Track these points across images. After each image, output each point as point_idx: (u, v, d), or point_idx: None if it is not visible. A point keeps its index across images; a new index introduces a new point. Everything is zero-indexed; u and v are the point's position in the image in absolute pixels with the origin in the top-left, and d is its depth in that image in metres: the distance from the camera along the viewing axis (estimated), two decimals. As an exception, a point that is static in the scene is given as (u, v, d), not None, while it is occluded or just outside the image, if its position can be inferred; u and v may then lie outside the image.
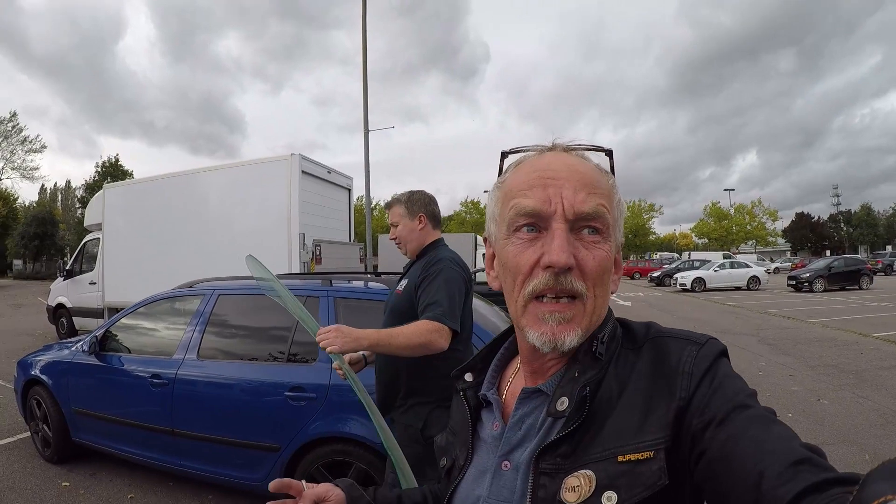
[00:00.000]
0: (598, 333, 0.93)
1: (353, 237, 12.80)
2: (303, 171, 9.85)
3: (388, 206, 3.14)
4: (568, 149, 0.97)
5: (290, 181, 9.65)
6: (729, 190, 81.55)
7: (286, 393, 3.89)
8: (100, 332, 5.28)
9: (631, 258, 71.34)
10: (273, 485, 1.09)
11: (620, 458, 0.81)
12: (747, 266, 34.67)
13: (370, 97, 19.68)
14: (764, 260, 56.47)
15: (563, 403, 0.89)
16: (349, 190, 12.32)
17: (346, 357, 2.69)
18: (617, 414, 0.85)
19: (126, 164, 61.98)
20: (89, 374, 5.17)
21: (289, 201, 9.57)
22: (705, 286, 32.59)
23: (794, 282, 30.53)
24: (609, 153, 0.99)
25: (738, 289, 32.61)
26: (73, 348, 5.54)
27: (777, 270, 53.98)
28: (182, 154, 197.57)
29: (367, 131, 19.31)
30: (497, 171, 1.03)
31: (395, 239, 3.08)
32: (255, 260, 2.66)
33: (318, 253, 10.20)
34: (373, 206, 20.36)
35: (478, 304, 4.46)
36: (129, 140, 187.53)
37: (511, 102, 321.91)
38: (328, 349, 2.32)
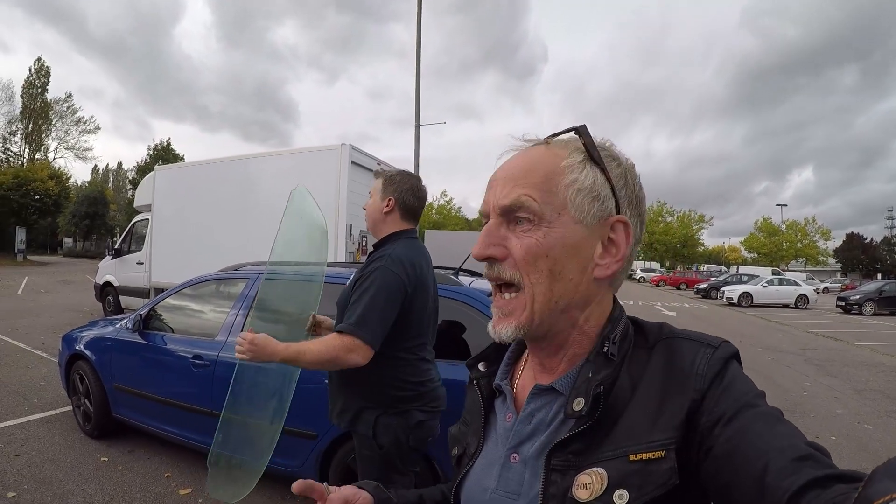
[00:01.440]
0: (609, 333, 0.93)
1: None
2: (352, 162, 9.82)
3: (376, 175, 2.91)
4: (529, 140, 1.01)
5: (340, 171, 9.64)
6: (781, 205, 79.74)
7: (325, 381, 3.86)
8: (144, 311, 5.31)
9: (678, 268, 70.51)
10: (296, 486, 1.08)
11: (632, 457, 0.81)
12: (796, 284, 34.10)
13: (424, 92, 19.79)
14: (813, 279, 55.55)
15: (579, 404, 0.89)
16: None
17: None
18: (629, 413, 0.86)
19: (178, 147, 63.54)
20: (132, 352, 5.19)
21: (337, 191, 9.56)
22: (752, 301, 32.14)
23: (843, 303, 30.15)
24: (579, 130, 0.96)
25: (785, 306, 32.17)
26: (117, 325, 5.59)
27: (826, 290, 53.11)
28: (234, 140, 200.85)
29: (417, 125, 19.25)
30: None
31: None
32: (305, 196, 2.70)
33: (364, 244, 10.19)
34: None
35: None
36: (182, 124, 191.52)
37: (566, 104, 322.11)
38: (237, 355, 2.35)
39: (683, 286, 52.77)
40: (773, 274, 40.28)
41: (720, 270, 62.24)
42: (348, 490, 1.15)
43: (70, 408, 6.19)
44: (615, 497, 0.79)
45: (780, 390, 9.31)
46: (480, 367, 1.13)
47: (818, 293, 37.56)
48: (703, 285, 42.27)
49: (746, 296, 32.38)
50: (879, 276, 70.41)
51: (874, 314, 28.43)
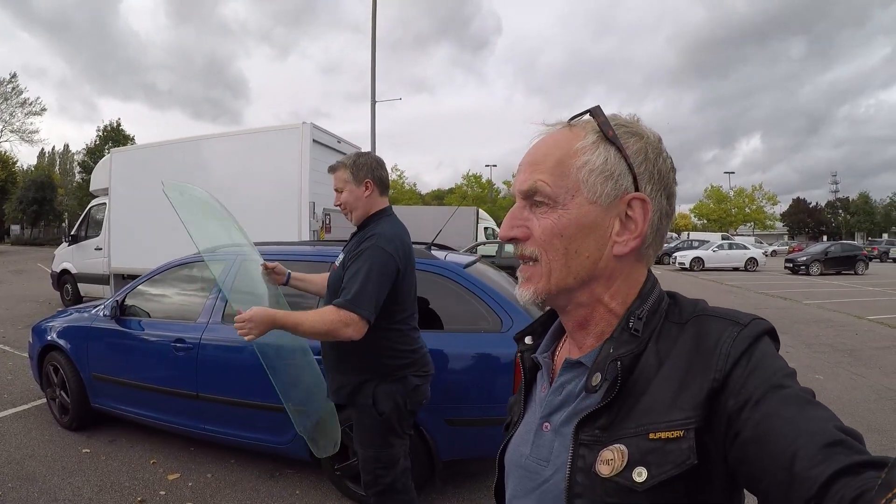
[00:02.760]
0: (635, 309, 0.94)
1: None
2: (314, 140, 9.79)
3: (333, 169, 2.97)
4: (553, 125, 1.03)
5: (302, 150, 9.60)
6: (729, 173, 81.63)
7: (316, 357, 3.91)
8: (120, 297, 5.23)
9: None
10: None
11: (652, 436, 0.82)
12: (745, 248, 34.95)
13: (378, 66, 19.54)
14: (762, 243, 56.63)
15: (596, 378, 0.91)
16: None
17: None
18: (652, 389, 0.87)
19: (127, 128, 61.38)
20: (110, 339, 5.13)
21: (300, 170, 9.52)
22: (703, 266, 32.90)
23: (791, 264, 31.03)
24: (593, 111, 0.98)
25: (735, 269, 32.96)
26: (91, 313, 5.50)
27: (774, 253, 54.24)
28: (184, 119, 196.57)
29: (374, 102, 19.19)
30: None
31: (339, 205, 2.94)
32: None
33: (327, 222, 10.17)
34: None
35: (487, 270, 4.70)
36: (131, 103, 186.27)
37: (519, 76, 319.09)
38: (247, 339, 2.42)
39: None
40: (723, 239, 40.96)
41: (671, 237, 63.10)
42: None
43: (44, 401, 6.07)
44: (634, 474, 0.81)
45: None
46: (526, 340, 1.16)
47: (766, 256, 38.33)
48: (655, 251, 42.61)
49: (698, 260, 33.10)
50: (825, 238, 72.30)
51: (821, 274, 29.40)
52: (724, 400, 0.79)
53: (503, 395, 3.77)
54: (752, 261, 33.29)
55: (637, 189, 0.93)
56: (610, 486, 0.83)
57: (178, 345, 4.56)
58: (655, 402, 0.85)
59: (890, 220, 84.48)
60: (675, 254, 35.80)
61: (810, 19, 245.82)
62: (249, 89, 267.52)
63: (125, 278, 11.44)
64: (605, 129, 0.95)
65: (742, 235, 61.83)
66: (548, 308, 1.15)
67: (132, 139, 55.98)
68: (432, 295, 4.24)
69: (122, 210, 12.06)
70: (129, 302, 5.23)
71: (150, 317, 5.09)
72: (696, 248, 36.59)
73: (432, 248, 4.99)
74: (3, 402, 6.45)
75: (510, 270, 5.02)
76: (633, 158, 0.94)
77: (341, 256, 2.91)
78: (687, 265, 33.00)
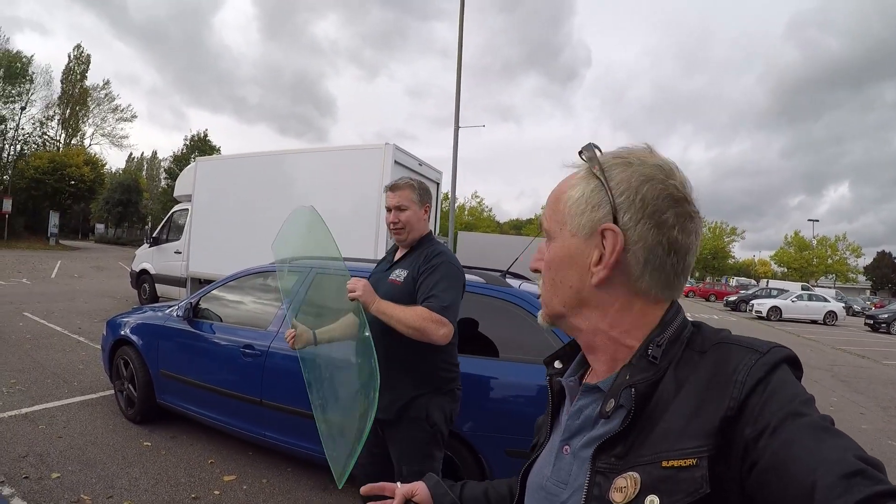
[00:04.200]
0: (655, 337, 0.93)
1: (437, 230, 12.75)
2: (395, 161, 9.83)
3: (393, 188, 3.02)
4: (571, 167, 1.06)
5: (383, 170, 9.66)
6: (813, 220, 78.27)
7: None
8: (194, 300, 5.36)
9: (707, 280, 69.87)
10: (365, 489, 1.24)
11: (664, 464, 0.81)
12: (825, 300, 33.77)
13: (464, 92, 19.56)
14: (843, 296, 54.72)
15: (610, 405, 0.92)
16: (437, 184, 12.19)
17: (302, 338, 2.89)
18: (668, 417, 0.85)
19: (214, 139, 63.18)
20: (181, 339, 5.25)
21: (380, 190, 9.42)
22: (781, 315, 31.93)
23: (871, 321, 29.86)
24: (583, 148, 1.02)
25: (813, 322, 31.90)
26: (164, 312, 5.64)
27: (854, 312, 52.29)
28: (270, 133, 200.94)
29: (457, 127, 19.14)
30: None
31: (397, 223, 2.96)
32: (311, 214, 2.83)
33: (403, 241, 10.19)
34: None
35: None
36: (219, 115, 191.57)
37: (605, 110, 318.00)
38: (351, 295, 2.58)
39: (713, 298, 52.75)
40: (803, 289, 39.81)
41: (750, 283, 61.59)
42: (411, 486, 1.32)
43: (111, 392, 6.25)
44: (646, 502, 0.80)
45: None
46: (556, 364, 1.17)
47: (847, 312, 37.08)
48: (732, 297, 41.95)
49: (775, 310, 32.18)
50: (910, 295, 69.51)
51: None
52: (740, 428, 0.78)
53: None
54: (831, 314, 32.22)
55: (615, 219, 0.93)
56: None
57: (246, 350, 4.63)
58: (670, 430, 0.84)
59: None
60: (752, 301, 34.99)
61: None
62: (336, 108, 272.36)
63: (201, 282, 11.69)
64: (592, 163, 0.98)
65: (823, 287, 60.01)
66: None
67: (218, 150, 57.36)
68: (502, 322, 4.23)
69: (203, 217, 12.34)
70: (202, 305, 5.34)
71: (221, 321, 5.19)
72: (774, 296, 35.61)
73: (507, 275, 4.95)
74: (73, 389, 6.66)
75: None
76: (615, 189, 0.94)
77: (403, 272, 2.93)
78: (764, 314, 32.09)
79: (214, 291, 5.44)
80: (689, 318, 1.00)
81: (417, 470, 2.82)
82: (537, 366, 3.95)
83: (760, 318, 31.98)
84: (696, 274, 78.35)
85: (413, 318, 2.60)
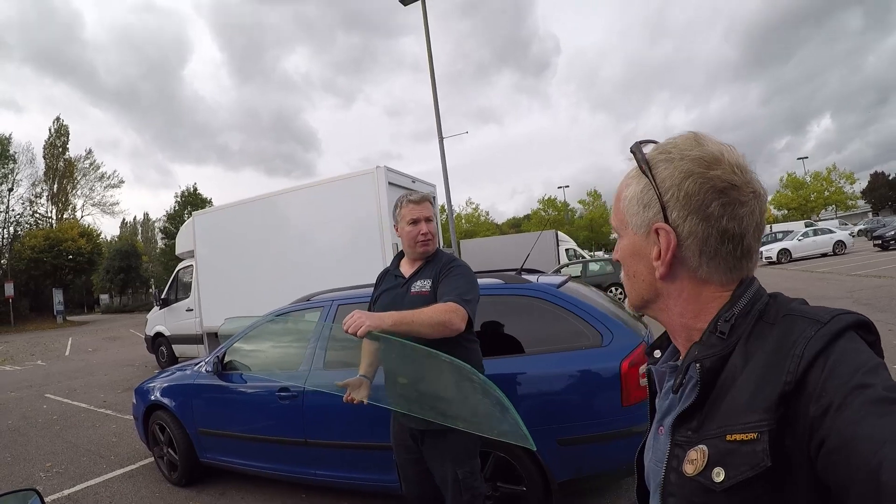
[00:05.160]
0: (724, 313, 0.95)
1: (441, 243, 12.72)
2: (389, 183, 9.82)
3: (420, 200, 3.07)
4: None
5: (378, 194, 9.64)
6: (802, 158, 78.00)
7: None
8: (221, 352, 5.32)
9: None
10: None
11: (728, 437, 0.84)
12: (831, 231, 33.68)
13: (443, 102, 19.58)
14: (846, 224, 54.67)
15: (678, 380, 0.97)
16: (434, 197, 12.18)
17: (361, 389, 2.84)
18: (734, 391, 0.88)
19: (204, 191, 63.07)
20: (214, 394, 5.23)
21: (378, 213, 9.55)
22: (791, 256, 31.77)
23: (879, 241, 29.94)
24: (632, 148, 1.05)
25: (824, 255, 31.72)
26: (192, 370, 5.62)
27: (860, 233, 52.20)
28: (259, 176, 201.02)
29: (441, 138, 19.15)
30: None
31: (427, 234, 3.02)
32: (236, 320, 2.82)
33: (401, 259, 10.16)
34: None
35: (580, 288, 4.77)
36: (204, 166, 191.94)
37: (581, 94, 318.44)
38: (360, 331, 2.32)
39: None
40: (807, 226, 39.75)
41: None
42: None
43: (151, 460, 6.21)
44: (713, 474, 0.84)
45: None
46: (655, 354, 1.20)
47: (854, 237, 37.01)
48: (738, 251, 41.63)
49: (785, 252, 32.02)
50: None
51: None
52: (803, 405, 0.79)
53: (609, 410, 3.78)
54: (839, 244, 31.95)
55: (665, 216, 0.97)
56: (694, 486, 0.87)
57: (282, 394, 4.60)
58: (735, 404, 0.86)
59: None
60: (760, 249, 34.73)
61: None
62: (319, 140, 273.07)
63: (217, 336, 11.66)
64: (639, 163, 1.02)
65: (825, 220, 60.08)
66: None
67: (209, 202, 57.09)
68: (529, 318, 4.25)
69: (209, 270, 12.34)
70: (228, 357, 5.31)
71: (251, 370, 5.16)
72: (780, 239, 35.28)
73: (522, 272, 4.99)
74: (111, 463, 6.62)
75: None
76: (660, 186, 0.97)
77: (426, 282, 2.97)
78: (774, 258, 31.89)
79: (241, 340, 5.40)
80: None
81: (469, 470, 2.87)
82: (573, 353, 3.99)
83: (771, 263, 31.76)
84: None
85: (436, 312, 2.61)
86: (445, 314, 2.60)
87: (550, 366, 3.98)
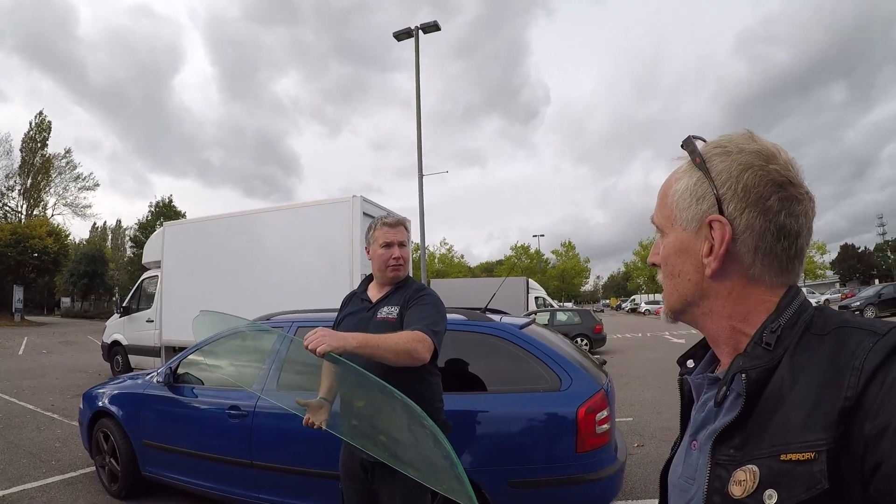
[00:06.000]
0: (769, 323, 0.91)
1: (410, 273, 12.71)
2: (363, 213, 9.84)
3: (394, 224, 3.04)
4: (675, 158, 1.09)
5: (352, 223, 9.66)
6: (778, 226, 79.57)
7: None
8: (174, 364, 5.24)
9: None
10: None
11: (783, 457, 0.79)
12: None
13: (428, 140, 20.02)
14: (814, 293, 55.40)
15: (722, 392, 0.92)
16: (409, 223, 12.06)
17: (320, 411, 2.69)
18: (785, 407, 0.83)
19: (179, 205, 62.33)
20: (163, 406, 5.13)
21: (350, 243, 9.56)
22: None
23: (845, 310, 30.17)
24: (683, 142, 1.04)
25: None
26: (143, 380, 5.52)
27: (828, 302, 52.98)
28: (236, 196, 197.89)
29: (420, 176, 19.39)
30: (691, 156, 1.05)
31: (399, 258, 2.98)
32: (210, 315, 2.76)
33: (366, 288, 10.15)
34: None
35: (543, 331, 4.75)
36: (183, 180, 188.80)
37: (566, 144, 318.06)
38: (320, 348, 2.20)
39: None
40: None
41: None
42: None
43: (93, 469, 6.05)
44: (765, 497, 0.78)
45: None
46: (688, 364, 1.17)
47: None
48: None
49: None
50: (876, 281, 70.50)
51: (876, 317, 28.34)
52: (859, 422, 0.74)
53: (563, 455, 3.77)
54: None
55: (721, 209, 0.94)
56: None
57: (232, 412, 4.53)
58: (788, 421, 0.81)
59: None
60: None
61: (849, 63, 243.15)
62: (301, 166, 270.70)
63: (176, 350, 11.51)
64: (693, 156, 1.00)
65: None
66: None
67: (183, 215, 56.49)
68: (489, 356, 4.26)
69: (174, 283, 12.18)
70: (182, 370, 5.22)
71: (203, 384, 5.08)
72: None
73: (487, 312, 5.01)
74: (51, 468, 6.46)
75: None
76: (716, 179, 0.95)
77: (394, 309, 2.91)
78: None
79: (193, 356, 5.33)
80: (814, 303, 0.97)
81: None
82: (531, 394, 4.00)
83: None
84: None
85: (402, 339, 2.54)
86: (412, 343, 2.54)
87: (506, 405, 3.98)
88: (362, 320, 2.95)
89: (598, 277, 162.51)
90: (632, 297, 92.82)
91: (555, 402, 3.88)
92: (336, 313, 3.29)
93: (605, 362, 5.52)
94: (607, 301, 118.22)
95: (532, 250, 75.14)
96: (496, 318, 4.74)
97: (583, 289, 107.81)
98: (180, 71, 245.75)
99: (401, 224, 3.06)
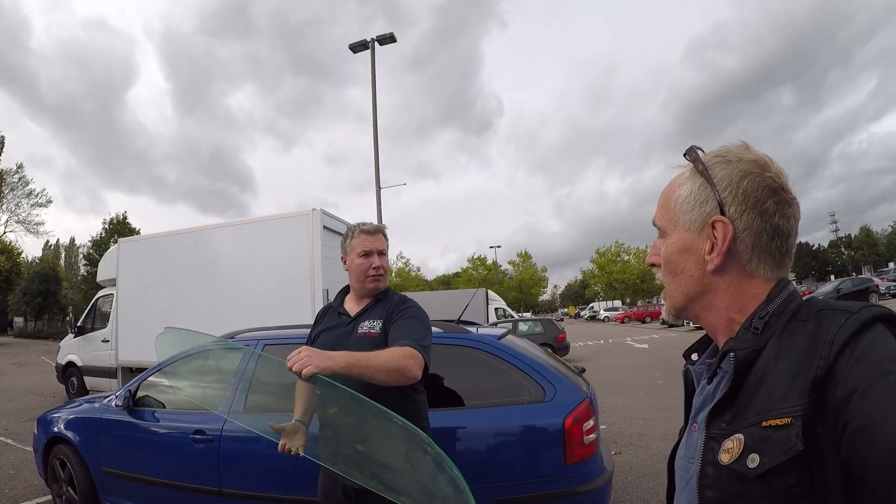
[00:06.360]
0: (759, 310, 1.02)
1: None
2: (324, 227, 9.72)
3: (374, 231, 2.91)
4: (678, 167, 1.19)
5: (312, 237, 9.52)
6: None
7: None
8: (133, 386, 5.02)
9: (639, 304, 71.25)
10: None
11: (764, 424, 0.87)
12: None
13: (382, 154, 19.76)
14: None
15: (711, 372, 1.07)
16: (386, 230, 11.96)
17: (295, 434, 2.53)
18: (769, 382, 0.91)
19: (134, 221, 61.05)
20: (122, 431, 4.89)
21: (311, 257, 9.43)
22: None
23: (830, 298, 30.83)
24: (686, 152, 1.15)
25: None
26: (101, 403, 5.29)
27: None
28: (191, 212, 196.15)
29: (378, 189, 19.29)
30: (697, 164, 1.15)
31: (379, 268, 2.84)
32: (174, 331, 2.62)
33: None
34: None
35: (521, 341, 4.72)
36: (137, 196, 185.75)
37: (520, 155, 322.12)
38: (305, 370, 2.00)
39: (648, 319, 53.84)
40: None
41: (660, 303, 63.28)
42: None
43: (48, 497, 5.80)
44: (748, 461, 0.87)
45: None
46: (693, 357, 1.25)
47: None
48: (666, 315, 42.72)
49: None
50: (832, 277, 72.15)
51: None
52: (831, 390, 0.82)
53: (552, 468, 3.71)
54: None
55: (722, 211, 1.05)
56: (730, 474, 0.91)
57: (197, 436, 4.34)
58: (771, 393, 0.90)
59: (894, 248, 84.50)
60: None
61: (797, 66, 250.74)
62: (255, 181, 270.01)
63: (133, 371, 11.24)
64: (696, 163, 1.11)
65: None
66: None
67: (138, 232, 55.20)
68: (469, 369, 4.17)
69: (130, 301, 11.83)
70: (142, 392, 5.01)
71: (164, 407, 4.88)
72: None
73: (460, 324, 4.93)
74: (4, 497, 6.22)
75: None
76: (718, 185, 1.06)
77: (376, 322, 2.74)
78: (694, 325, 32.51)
79: (156, 375, 5.10)
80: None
81: None
82: (514, 407, 3.93)
83: (699, 327, 32.29)
84: (628, 300, 79.91)
85: (393, 357, 2.35)
86: (403, 360, 2.36)
87: (491, 420, 3.90)
88: (341, 336, 2.79)
89: (555, 286, 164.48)
90: (590, 305, 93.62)
91: (540, 414, 3.81)
92: (306, 329, 3.13)
93: (584, 370, 5.46)
94: (566, 310, 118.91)
95: (489, 261, 75.58)
96: (472, 329, 4.67)
97: (541, 298, 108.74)
98: (134, 84, 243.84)
99: (380, 231, 2.92)
